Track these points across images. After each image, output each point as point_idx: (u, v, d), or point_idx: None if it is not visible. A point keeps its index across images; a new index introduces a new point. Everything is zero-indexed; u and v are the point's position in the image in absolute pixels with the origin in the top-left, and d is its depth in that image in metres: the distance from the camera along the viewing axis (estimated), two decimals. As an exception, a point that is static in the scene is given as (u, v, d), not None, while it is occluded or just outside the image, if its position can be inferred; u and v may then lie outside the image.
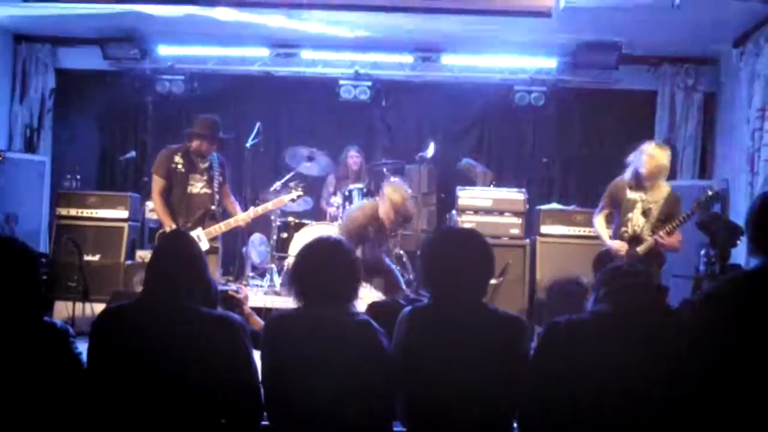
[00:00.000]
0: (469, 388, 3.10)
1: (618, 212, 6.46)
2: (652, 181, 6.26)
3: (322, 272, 3.25)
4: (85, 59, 9.86)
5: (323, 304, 3.22)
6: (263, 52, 9.60)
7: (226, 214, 6.87)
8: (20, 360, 3.00)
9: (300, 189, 7.27)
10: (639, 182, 6.30)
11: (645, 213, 6.32)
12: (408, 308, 3.33)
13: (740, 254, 7.02)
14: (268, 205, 7.04)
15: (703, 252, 7.05)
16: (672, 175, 8.95)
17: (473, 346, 3.14)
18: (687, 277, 7.17)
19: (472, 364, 3.11)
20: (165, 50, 9.65)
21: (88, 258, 7.99)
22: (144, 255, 7.04)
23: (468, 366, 3.11)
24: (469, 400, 3.11)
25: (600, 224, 6.55)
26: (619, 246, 6.25)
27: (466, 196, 8.32)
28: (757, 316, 2.34)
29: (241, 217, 6.80)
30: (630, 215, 6.36)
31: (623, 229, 6.39)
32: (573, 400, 2.94)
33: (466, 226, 7.47)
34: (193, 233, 6.50)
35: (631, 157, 6.35)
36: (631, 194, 6.35)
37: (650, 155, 6.22)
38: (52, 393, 3.04)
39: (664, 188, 6.36)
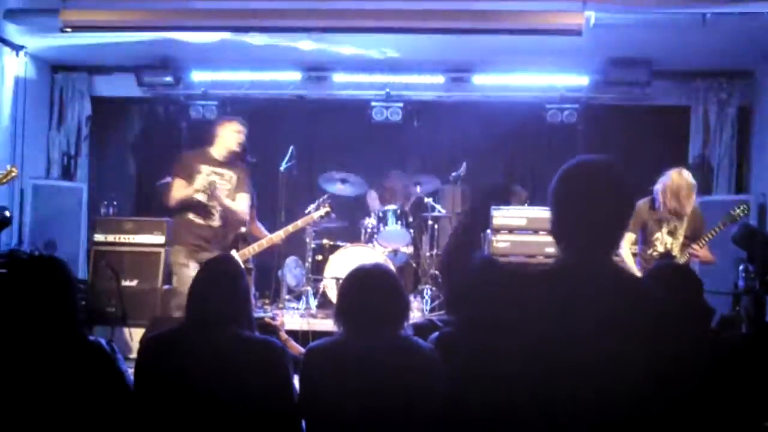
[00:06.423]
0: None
1: (643, 234, 6.43)
2: (676, 206, 6.23)
3: (372, 302, 3.21)
4: (120, 86, 10.02)
5: (373, 332, 3.19)
6: (295, 75, 9.68)
7: (253, 240, 6.88)
8: (66, 378, 3.01)
9: (327, 205, 7.28)
10: (665, 207, 6.28)
11: (671, 232, 6.31)
12: (435, 334, 3.37)
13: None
14: (298, 223, 6.98)
15: (741, 267, 6.95)
16: (707, 190, 8.91)
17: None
18: (725, 294, 7.07)
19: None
20: (198, 76, 9.77)
21: (125, 283, 8.09)
22: (181, 280, 7.09)
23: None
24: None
25: (626, 252, 6.44)
26: None
27: (500, 215, 8.25)
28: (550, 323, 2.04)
29: (274, 237, 6.79)
30: (657, 235, 6.35)
31: (651, 249, 6.37)
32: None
33: (501, 245, 7.44)
34: None
35: (657, 186, 6.32)
36: (655, 215, 6.35)
37: (668, 183, 6.22)
38: (97, 411, 3.05)
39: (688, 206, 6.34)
